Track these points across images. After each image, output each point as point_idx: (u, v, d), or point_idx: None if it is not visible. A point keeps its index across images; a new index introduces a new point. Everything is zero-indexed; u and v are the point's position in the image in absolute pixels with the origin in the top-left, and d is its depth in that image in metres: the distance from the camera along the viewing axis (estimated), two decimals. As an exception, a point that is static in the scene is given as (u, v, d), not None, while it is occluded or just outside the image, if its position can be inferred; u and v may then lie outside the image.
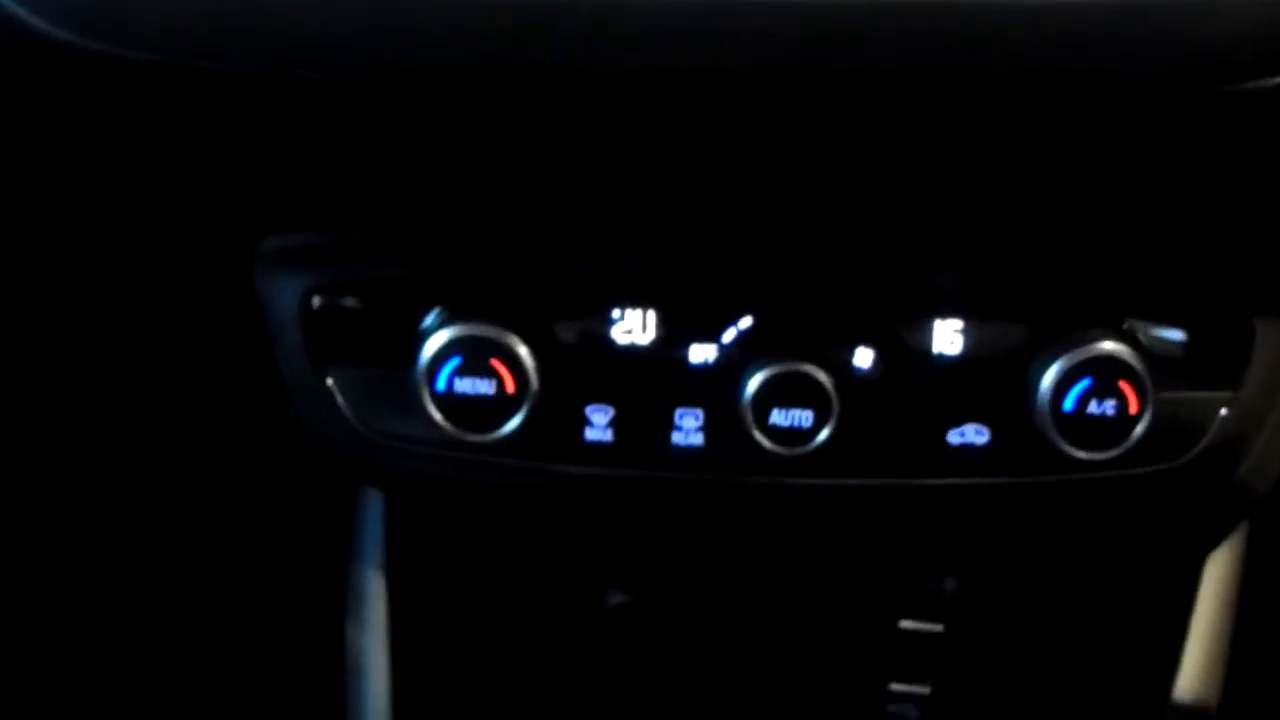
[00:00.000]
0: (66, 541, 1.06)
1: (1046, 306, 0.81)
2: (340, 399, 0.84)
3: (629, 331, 0.81)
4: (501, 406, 0.80)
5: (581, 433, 0.83)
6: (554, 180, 0.77)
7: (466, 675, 1.02)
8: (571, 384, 0.82)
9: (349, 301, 0.83)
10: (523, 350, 0.79)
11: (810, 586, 1.02)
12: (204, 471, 1.06)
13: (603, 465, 0.83)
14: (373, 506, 0.98)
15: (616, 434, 0.83)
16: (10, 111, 0.76)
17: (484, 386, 0.80)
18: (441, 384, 0.80)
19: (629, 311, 0.81)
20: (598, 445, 0.83)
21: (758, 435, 0.79)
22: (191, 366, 0.98)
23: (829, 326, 0.81)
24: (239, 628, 1.10)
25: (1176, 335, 0.82)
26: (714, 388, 0.81)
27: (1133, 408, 0.79)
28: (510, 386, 0.80)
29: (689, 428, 0.82)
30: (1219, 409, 0.83)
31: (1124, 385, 0.79)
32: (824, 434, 0.79)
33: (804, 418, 0.79)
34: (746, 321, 0.81)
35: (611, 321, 0.81)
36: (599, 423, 0.83)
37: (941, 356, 0.81)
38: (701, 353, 0.81)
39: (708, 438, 0.82)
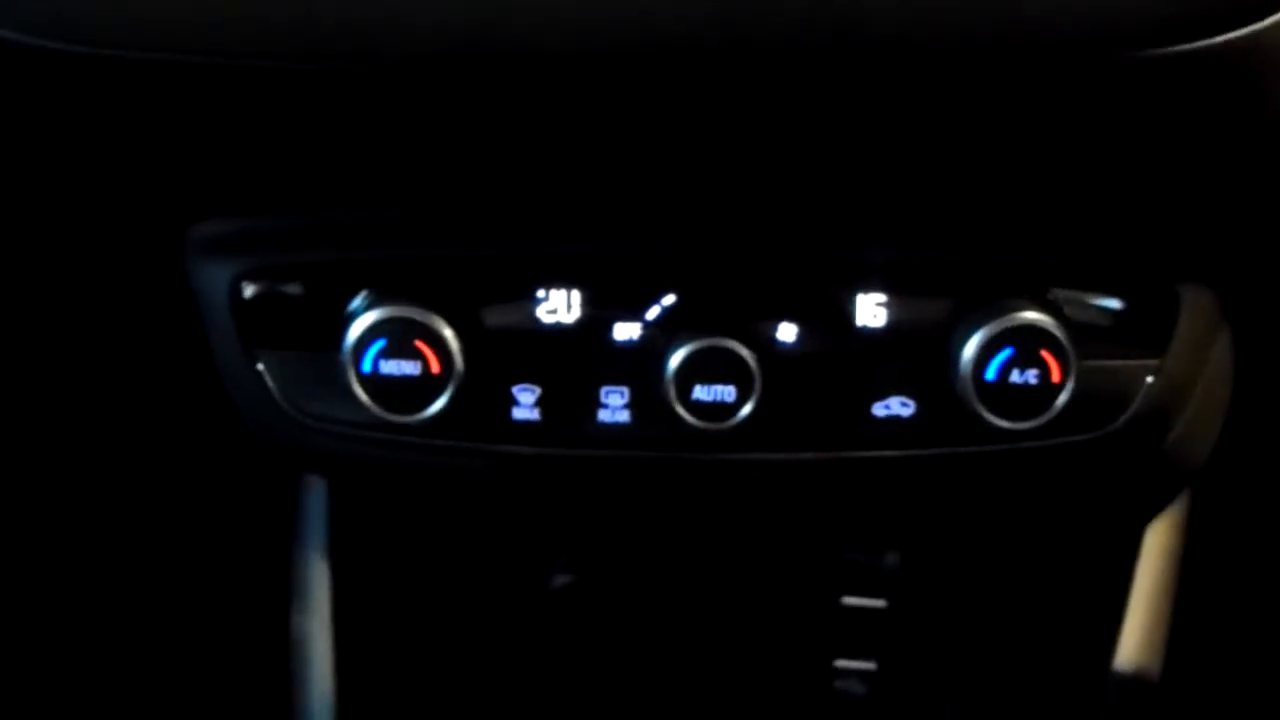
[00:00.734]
0: (4, 533, 1.06)
1: (969, 277, 0.81)
2: (271, 383, 0.85)
3: (553, 311, 0.82)
4: (427, 387, 0.80)
5: (509, 412, 0.83)
6: (474, 162, 0.78)
7: (412, 659, 1.03)
8: (497, 364, 0.82)
9: (276, 287, 0.83)
10: (447, 332, 0.80)
11: (752, 563, 1.02)
12: (147, 460, 1.06)
13: (530, 444, 0.83)
14: (315, 492, 0.99)
15: (543, 413, 0.83)
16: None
17: (409, 368, 0.80)
18: (367, 366, 0.80)
19: (552, 291, 0.81)
20: (525, 424, 0.83)
21: (681, 411, 0.80)
22: (131, 356, 0.98)
23: (750, 302, 0.81)
24: (183, 615, 1.10)
25: (1101, 303, 0.82)
26: (638, 365, 0.82)
27: (1055, 376, 0.79)
28: (435, 367, 0.80)
29: (614, 405, 0.83)
30: (1145, 377, 0.83)
31: (1045, 354, 0.79)
32: (747, 409, 0.80)
33: (726, 393, 0.80)
34: (669, 299, 0.81)
35: (535, 301, 0.82)
36: (525, 402, 0.83)
37: (864, 329, 0.81)
38: (625, 330, 0.82)
39: (633, 415, 0.83)
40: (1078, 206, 0.81)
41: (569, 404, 0.83)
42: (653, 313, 0.82)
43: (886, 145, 0.76)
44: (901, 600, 1.02)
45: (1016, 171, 0.79)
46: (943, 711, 1.06)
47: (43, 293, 0.94)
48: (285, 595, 0.99)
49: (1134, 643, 0.97)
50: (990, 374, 0.79)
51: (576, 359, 0.82)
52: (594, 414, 0.83)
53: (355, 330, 0.80)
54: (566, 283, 0.81)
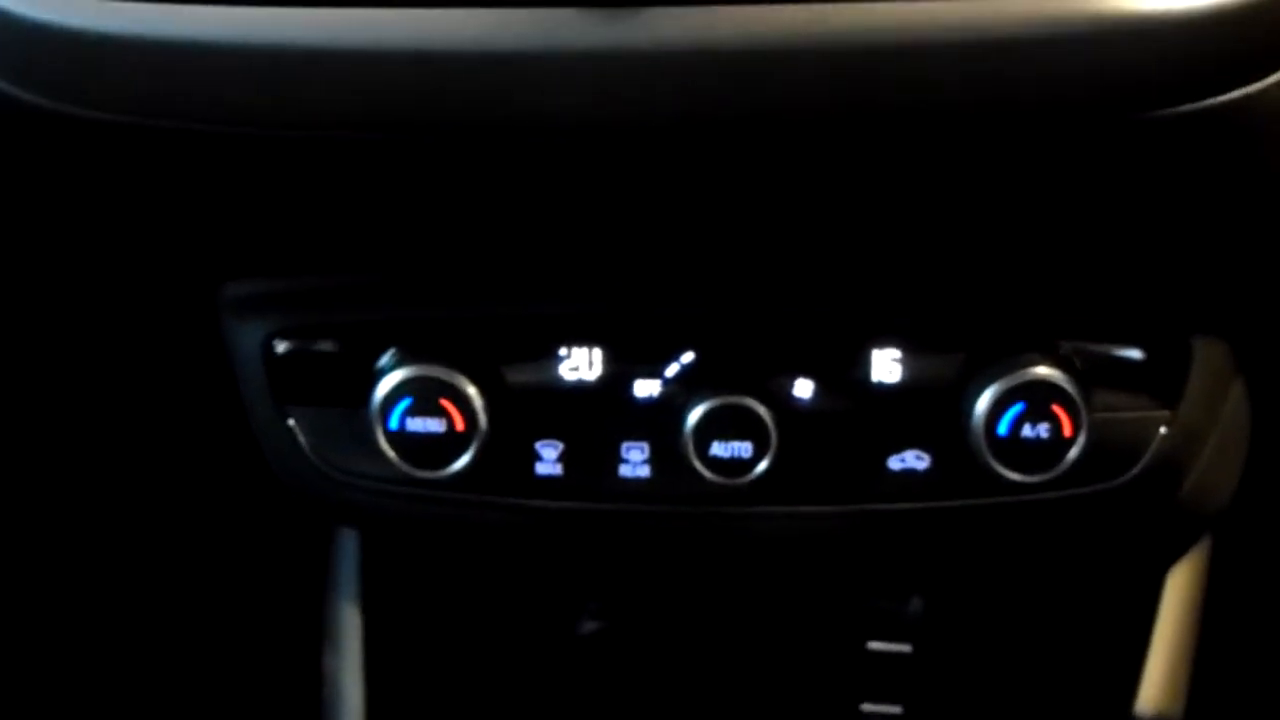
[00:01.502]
0: (48, 580, 1.09)
1: (981, 332, 0.82)
2: (302, 438, 0.87)
3: (574, 369, 0.83)
4: (452, 444, 0.82)
5: (532, 467, 0.85)
6: (497, 226, 0.80)
7: (442, 708, 1.04)
8: (521, 421, 0.84)
9: (307, 345, 0.85)
10: (471, 390, 0.81)
11: (778, 611, 1.03)
12: (183, 511, 1.08)
13: (553, 498, 0.85)
14: (348, 541, 1.01)
15: (566, 468, 0.85)
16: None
17: (434, 425, 0.82)
18: (394, 423, 0.82)
19: (574, 350, 0.83)
20: (548, 479, 0.85)
21: (699, 467, 0.81)
22: (167, 411, 1.01)
23: (766, 360, 0.83)
24: (217, 662, 1.12)
25: (1113, 356, 0.83)
26: (658, 421, 0.83)
27: (1066, 430, 0.80)
28: (460, 425, 0.82)
29: (635, 460, 0.84)
30: (1158, 429, 0.84)
31: (1057, 408, 0.80)
32: (763, 465, 0.81)
33: (743, 449, 0.81)
34: (688, 357, 0.83)
35: (557, 360, 0.83)
36: (548, 457, 0.85)
37: (879, 385, 0.83)
38: (645, 388, 0.83)
39: (653, 470, 0.84)
40: (1088, 263, 0.82)
41: (591, 459, 0.84)
42: (672, 370, 0.83)
43: (899, 207, 0.77)
44: (926, 644, 1.02)
45: (1026, 231, 0.80)
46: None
47: (80, 350, 0.97)
48: (318, 640, 1.01)
49: (1156, 686, 0.98)
50: (1002, 429, 0.80)
51: (598, 415, 0.84)
52: (615, 469, 0.84)
53: (383, 388, 0.82)
54: (588, 342, 0.83)
